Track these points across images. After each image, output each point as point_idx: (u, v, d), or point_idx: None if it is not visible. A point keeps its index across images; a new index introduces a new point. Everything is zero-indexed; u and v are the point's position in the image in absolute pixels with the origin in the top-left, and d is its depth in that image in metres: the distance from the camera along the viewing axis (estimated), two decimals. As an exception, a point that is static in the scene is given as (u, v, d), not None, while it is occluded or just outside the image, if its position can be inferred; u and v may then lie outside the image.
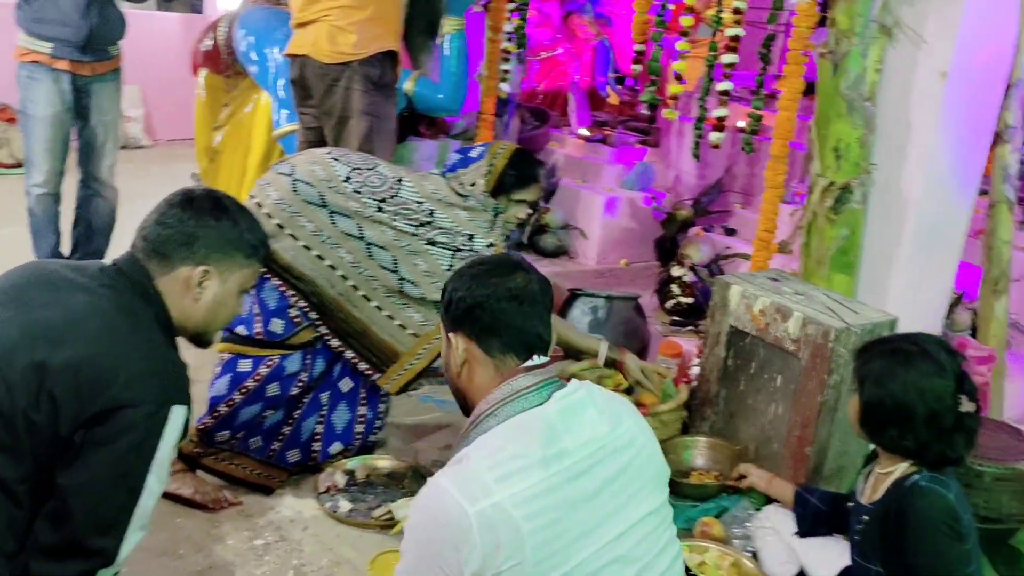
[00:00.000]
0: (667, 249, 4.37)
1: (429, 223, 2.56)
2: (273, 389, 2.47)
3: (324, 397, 2.61)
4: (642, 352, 3.52)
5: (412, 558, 1.38)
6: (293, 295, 2.48)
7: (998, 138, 2.89)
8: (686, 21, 3.03)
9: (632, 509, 1.43)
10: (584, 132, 4.82)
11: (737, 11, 2.96)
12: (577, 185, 4.56)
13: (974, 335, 3.54)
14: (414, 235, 2.55)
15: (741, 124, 4.49)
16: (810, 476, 2.46)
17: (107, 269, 1.57)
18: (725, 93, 3.04)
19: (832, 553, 2.17)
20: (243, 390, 2.44)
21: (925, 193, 2.73)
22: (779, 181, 2.87)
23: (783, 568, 2.23)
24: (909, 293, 2.83)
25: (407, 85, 3.61)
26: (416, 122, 4.05)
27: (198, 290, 1.59)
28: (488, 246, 2.59)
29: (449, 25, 3.73)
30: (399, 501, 2.48)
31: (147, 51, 6.03)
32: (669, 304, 3.74)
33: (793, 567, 2.23)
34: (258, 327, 2.48)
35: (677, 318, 3.70)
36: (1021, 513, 2.42)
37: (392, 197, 2.54)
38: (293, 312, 2.49)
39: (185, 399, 1.47)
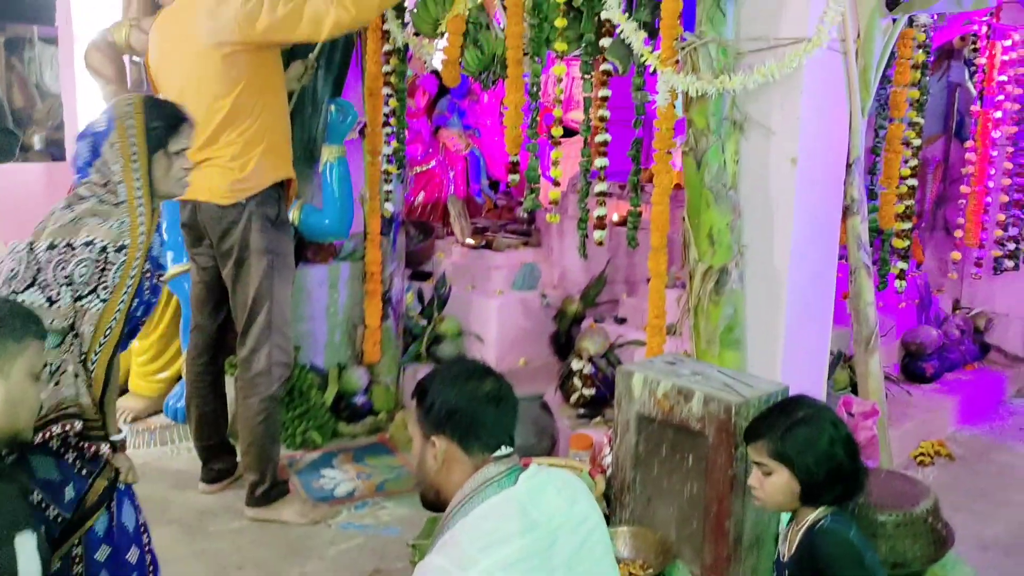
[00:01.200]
0: (563, 344, 4.53)
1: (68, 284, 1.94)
2: None
3: None
4: (553, 448, 3.60)
5: None
6: None
7: (847, 211, 3.17)
8: (556, 131, 3.22)
9: None
10: (469, 240, 4.97)
11: (603, 119, 3.18)
12: (468, 292, 4.68)
13: (854, 391, 3.79)
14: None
15: (615, 218, 4.76)
16: (732, 548, 2.57)
17: None
18: (602, 194, 3.23)
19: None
20: None
21: (793, 266, 2.97)
22: (662, 270, 3.06)
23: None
24: (794, 360, 3.03)
25: (292, 214, 3.68)
26: (303, 248, 4.10)
27: None
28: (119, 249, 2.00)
29: (329, 153, 3.85)
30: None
31: (9, 204, 5.87)
32: (573, 398, 3.85)
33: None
34: None
35: (583, 410, 3.81)
36: (923, 555, 2.58)
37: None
38: None
39: (27, 523, 1.38)
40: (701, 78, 2.79)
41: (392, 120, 3.92)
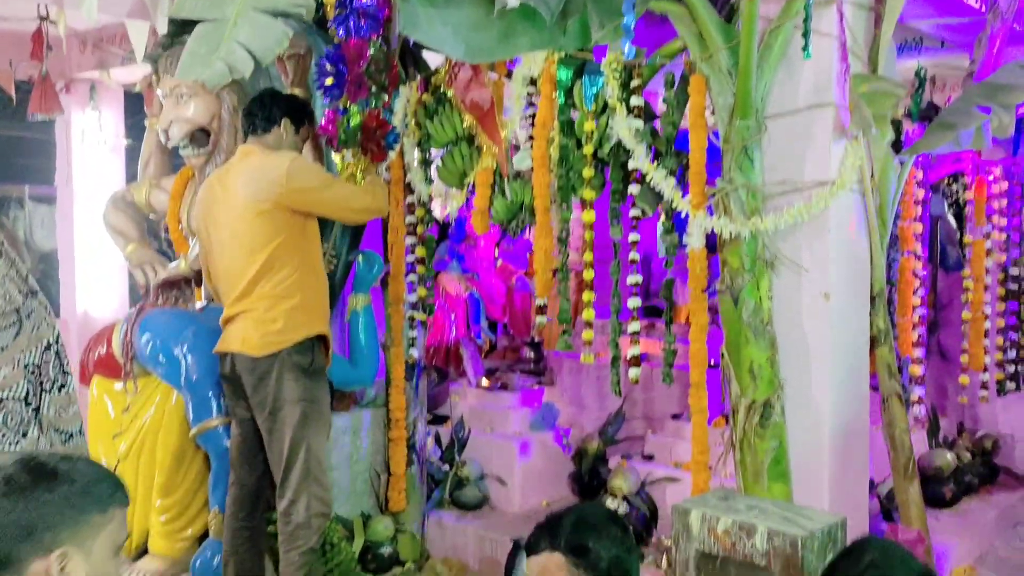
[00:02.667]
0: (585, 483, 4.50)
1: None
2: None
3: None
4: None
5: None
6: None
7: (874, 341, 3.29)
8: (588, 274, 3.34)
9: None
10: (484, 382, 5.01)
11: (633, 261, 3.31)
12: (487, 434, 4.68)
13: (886, 518, 3.81)
14: None
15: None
16: None
17: None
18: (635, 333, 3.32)
19: None
20: None
21: (831, 397, 3.05)
22: (703, 406, 3.11)
23: None
24: (839, 490, 3.07)
25: (319, 364, 3.70)
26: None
27: None
28: None
29: (356, 302, 3.92)
30: None
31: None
32: (608, 538, 3.80)
33: None
34: None
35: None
36: None
37: None
38: None
39: None
40: (734, 220, 2.94)
41: (418, 267, 4.02)
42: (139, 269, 4.28)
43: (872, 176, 3.18)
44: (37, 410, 2.31)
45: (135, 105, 5.86)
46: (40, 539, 1.32)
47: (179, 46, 3.99)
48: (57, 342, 2.38)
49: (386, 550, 4.08)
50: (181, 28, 3.84)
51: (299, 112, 3.40)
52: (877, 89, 2.91)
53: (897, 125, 3.53)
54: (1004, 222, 4.59)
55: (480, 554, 4.18)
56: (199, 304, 4.12)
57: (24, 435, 2.30)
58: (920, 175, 3.77)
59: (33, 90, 5.13)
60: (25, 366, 2.29)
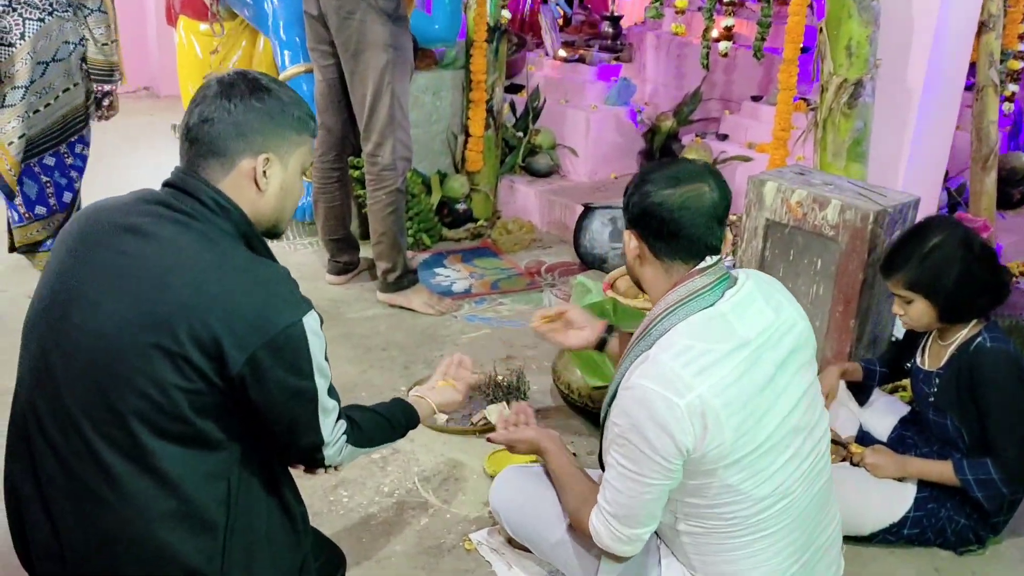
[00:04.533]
0: (655, 160, 4.59)
1: None
2: None
3: None
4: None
5: (631, 456, 1.54)
6: None
7: (982, 27, 3.15)
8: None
9: (797, 385, 1.63)
10: (562, 53, 4.94)
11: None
12: (561, 105, 4.71)
13: (951, 211, 3.88)
14: None
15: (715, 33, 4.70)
16: (854, 344, 2.75)
17: (165, 195, 1.45)
18: (731, 3, 3.21)
19: (883, 414, 2.50)
20: None
21: (926, 83, 3.00)
22: (792, 83, 3.09)
23: (846, 425, 2.53)
24: (913, 175, 3.11)
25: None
26: (408, 55, 4.10)
27: (264, 180, 1.47)
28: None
29: (441, -44, 3.80)
30: (489, 407, 2.69)
31: None
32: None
33: (854, 425, 2.52)
34: None
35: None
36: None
37: None
38: None
39: (308, 304, 1.44)
40: None
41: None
42: None
43: None
44: None
45: None
46: (252, 140, 1.45)
47: None
48: None
49: (461, 207, 4.31)
50: None
51: None
52: None
53: None
54: None
55: (549, 217, 4.38)
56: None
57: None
58: None
59: None
60: None
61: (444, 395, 1.90)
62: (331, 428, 1.50)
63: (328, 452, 1.51)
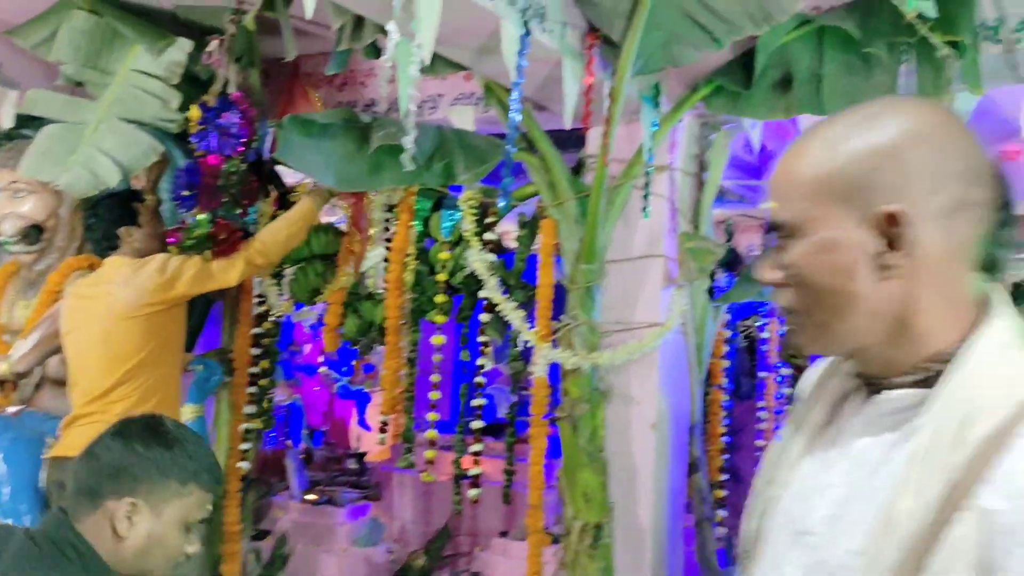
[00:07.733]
0: (409, 601, 4.53)
1: None
2: None
3: None
4: None
5: None
6: None
7: (692, 468, 3.62)
8: (435, 395, 3.50)
9: None
10: (311, 496, 4.96)
11: (479, 385, 3.50)
12: (314, 551, 4.62)
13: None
14: None
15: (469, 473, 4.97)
16: None
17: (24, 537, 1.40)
18: (477, 454, 3.48)
19: None
20: None
21: (654, 523, 3.32)
22: (540, 526, 3.30)
23: None
24: (658, 609, 3.31)
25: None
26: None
27: (126, 525, 1.44)
28: None
29: (189, 412, 3.84)
30: None
31: None
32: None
33: None
34: None
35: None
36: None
37: None
38: None
39: None
40: (576, 354, 3.20)
41: (261, 380, 4.01)
42: None
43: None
44: None
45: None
46: (122, 483, 1.44)
47: (19, 140, 3.91)
48: None
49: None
50: (20, 122, 3.78)
51: (131, 214, 3.41)
52: (700, 246, 3.31)
53: (711, 273, 3.98)
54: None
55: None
56: (11, 409, 3.89)
57: None
58: (728, 317, 4.24)
59: None
60: None
61: None
62: None
63: None
